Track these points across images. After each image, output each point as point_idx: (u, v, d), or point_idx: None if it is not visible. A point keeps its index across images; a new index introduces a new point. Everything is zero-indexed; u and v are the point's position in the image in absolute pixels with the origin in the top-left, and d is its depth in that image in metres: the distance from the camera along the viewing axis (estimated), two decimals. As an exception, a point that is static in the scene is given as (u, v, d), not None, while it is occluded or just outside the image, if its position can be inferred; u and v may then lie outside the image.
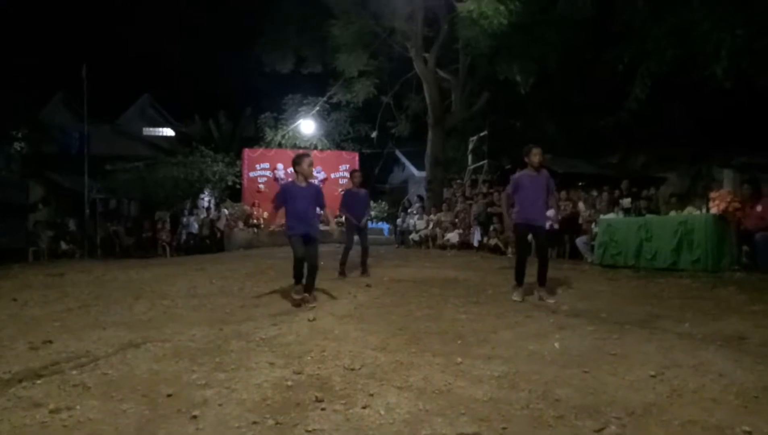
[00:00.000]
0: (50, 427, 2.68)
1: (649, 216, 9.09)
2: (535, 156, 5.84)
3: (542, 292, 5.89)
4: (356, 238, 8.28)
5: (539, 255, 6.04)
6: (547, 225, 10.90)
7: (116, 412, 2.85)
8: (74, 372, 3.51)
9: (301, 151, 5.85)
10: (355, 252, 8.28)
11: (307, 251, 5.64)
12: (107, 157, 20.15)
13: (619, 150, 16.74)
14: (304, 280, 5.69)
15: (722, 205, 7.61)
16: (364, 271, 8.19)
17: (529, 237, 6.19)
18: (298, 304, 5.60)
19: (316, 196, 5.96)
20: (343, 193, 8.59)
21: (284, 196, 5.85)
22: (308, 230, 5.76)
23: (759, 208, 7.65)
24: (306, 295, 5.72)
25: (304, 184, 5.90)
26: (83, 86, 17.37)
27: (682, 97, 13.24)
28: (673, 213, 8.76)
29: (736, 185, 8.28)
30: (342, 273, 7.96)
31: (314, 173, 19.17)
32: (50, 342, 4.30)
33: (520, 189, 5.90)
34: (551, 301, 5.77)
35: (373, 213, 19.98)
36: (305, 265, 5.64)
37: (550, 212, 7.17)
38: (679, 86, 12.37)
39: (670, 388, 3.06)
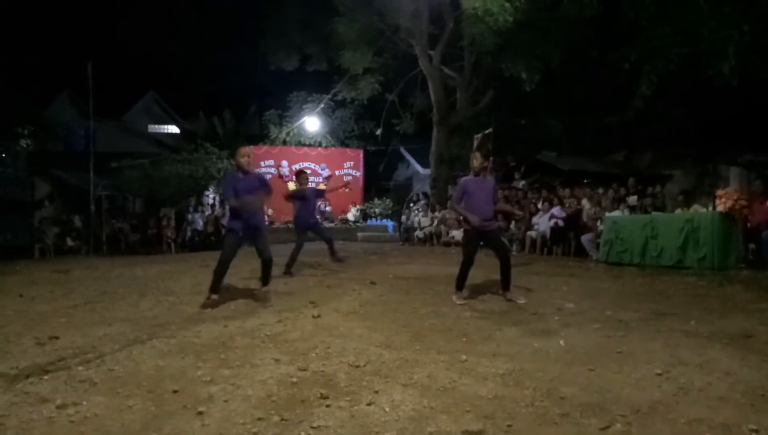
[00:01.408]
0: (57, 423, 2.69)
1: (654, 213, 9.06)
2: (475, 160, 5.76)
3: (510, 295, 5.75)
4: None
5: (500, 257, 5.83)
6: (552, 222, 10.97)
7: (122, 407, 2.86)
8: (80, 368, 3.53)
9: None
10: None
11: (255, 245, 5.72)
12: (112, 154, 20.25)
13: (625, 148, 16.68)
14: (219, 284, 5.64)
15: (729, 203, 7.57)
16: (332, 254, 8.64)
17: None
18: (207, 306, 5.48)
19: (258, 184, 5.84)
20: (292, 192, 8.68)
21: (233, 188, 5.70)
22: (250, 223, 5.67)
23: (767, 204, 7.61)
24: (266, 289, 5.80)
25: (241, 175, 5.81)
26: (88, 84, 17.45)
27: (687, 96, 13.16)
28: (679, 211, 8.72)
29: (743, 183, 8.24)
30: (288, 273, 7.82)
31: (318, 170, 19.33)
32: (56, 338, 4.32)
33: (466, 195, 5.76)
34: (522, 300, 5.62)
35: (377, 210, 20.00)
36: (227, 264, 5.62)
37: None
38: (685, 84, 12.30)
39: (676, 387, 3.05)
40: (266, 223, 6.01)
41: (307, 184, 8.57)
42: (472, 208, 5.68)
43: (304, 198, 8.29)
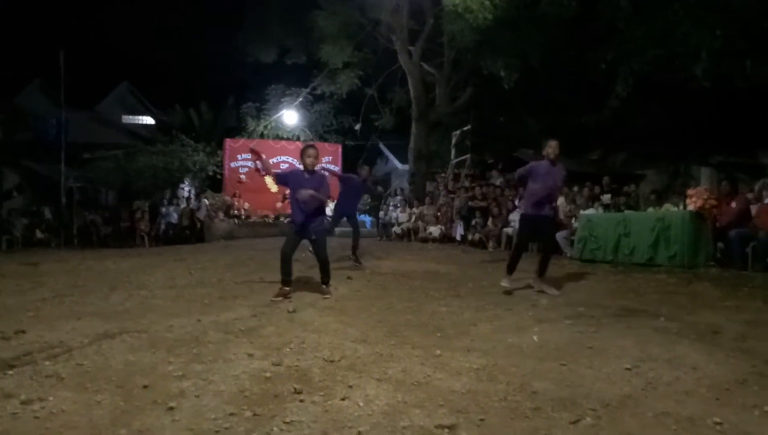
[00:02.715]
0: (22, 419, 2.62)
1: (627, 212, 9.22)
2: (550, 149, 5.90)
3: (541, 283, 5.95)
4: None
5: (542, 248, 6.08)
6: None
7: (90, 403, 2.80)
8: (47, 363, 3.44)
9: None
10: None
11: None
12: (85, 145, 19.79)
13: (600, 147, 16.94)
14: None
15: (699, 203, 7.74)
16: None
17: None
18: (279, 295, 5.54)
19: (318, 185, 5.83)
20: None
21: None
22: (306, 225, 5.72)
23: (734, 205, 7.81)
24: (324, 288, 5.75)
25: (307, 175, 5.79)
26: (60, 72, 17.03)
27: (661, 97, 13.43)
28: (651, 209, 8.89)
29: (713, 183, 8.44)
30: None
31: (296, 165, 19.17)
32: (23, 332, 4.20)
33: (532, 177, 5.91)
34: (554, 292, 5.79)
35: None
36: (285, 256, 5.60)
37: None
38: (659, 86, 12.54)
39: (645, 381, 3.11)
40: (324, 225, 5.96)
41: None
42: (533, 191, 5.82)
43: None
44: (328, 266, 5.90)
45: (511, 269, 6.04)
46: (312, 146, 5.94)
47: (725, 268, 7.42)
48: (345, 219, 8.72)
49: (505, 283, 5.94)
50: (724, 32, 9.58)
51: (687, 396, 2.89)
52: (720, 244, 7.94)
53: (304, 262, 7.88)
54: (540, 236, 6.34)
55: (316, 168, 5.87)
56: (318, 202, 5.60)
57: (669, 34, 10.34)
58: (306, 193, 5.42)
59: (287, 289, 5.61)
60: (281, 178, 6.09)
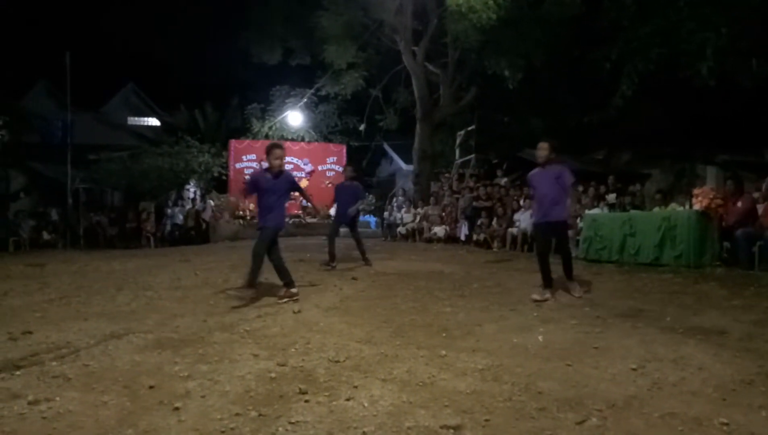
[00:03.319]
0: (29, 419, 2.64)
1: (633, 211, 9.18)
2: (541, 151, 5.77)
3: (570, 284, 5.81)
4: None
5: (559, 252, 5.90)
6: (533, 219, 11.05)
7: (97, 403, 2.82)
8: (54, 363, 3.46)
9: None
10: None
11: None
12: (91, 146, 19.89)
13: (605, 147, 16.88)
14: None
15: (705, 202, 7.70)
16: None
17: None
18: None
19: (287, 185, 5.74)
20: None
21: None
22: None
23: (740, 204, 7.76)
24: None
25: (270, 176, 5.63)
26: (66, 74, 17.09)
27: (666, 96, 13.37)
28: (656, 209, 8.85)
29: (719, 182, 8.39)
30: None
31: (301, 165, 19.23)
32: (30, 333, 4.23)
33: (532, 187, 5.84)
34: (577, 294, 5.64)
35: (360, 206, 19.96)
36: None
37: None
38: (663, 84, 12.49)
39: (651, 381, 3.10)
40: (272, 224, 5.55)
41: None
42: (537, 201, 5.75)
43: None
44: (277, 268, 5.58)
45: (546, 282, 5.67)
46: (278, 146, 5.69)
47: (731, 267, 7.37)
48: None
49: (535, 296, 5.57)
50: (730, 30, 9.53)
51: (693, 396, 2.88)
52: (726, 244, 7.89)
53: (309, 263, 7.92)
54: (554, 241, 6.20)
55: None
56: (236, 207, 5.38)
57: (674, 32, 10.28)
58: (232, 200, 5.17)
59: (251, 292, 5.46)
60: (250, 190, 5.75)
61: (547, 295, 5.58)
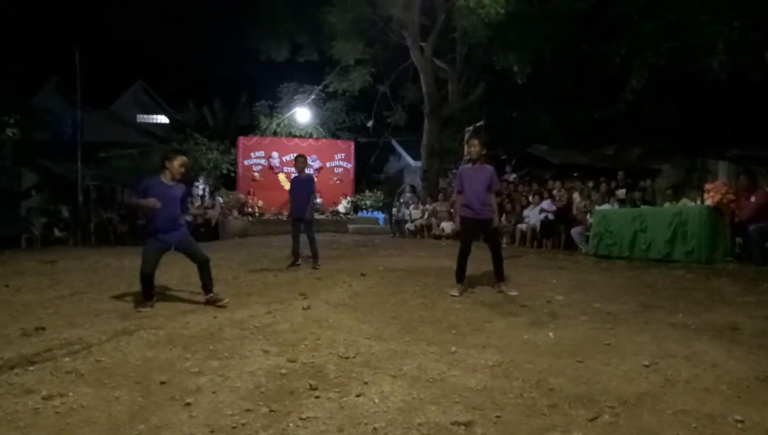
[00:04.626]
0: (42, 414, 2.66)
1: (644, 207, 9.12)
2: (471, 148, 5.78)
3: (502, 286, 5.78)
4: None
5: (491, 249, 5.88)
6: (542, 215, 11.01)
7: (109, 399, 2.84)
8: (67, 359, 3.49)
9: None
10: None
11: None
12: (100, 143, 20.02)
13: (614, 142, 16.77)
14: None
15: (717, 197, 7.64)
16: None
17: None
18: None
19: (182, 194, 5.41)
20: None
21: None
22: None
23: (753, 199, 7.68)
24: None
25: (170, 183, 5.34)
26: (76, 72, 17.21)
27: (676, 90, 13.25)
28: (667, 204, 8.78)
29: (731, 177, 8.30)
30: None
31: (309, 162, 19.29)
32: (43, 329, 4.27)
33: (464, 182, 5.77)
34: (513, 292, 5.63)
35: (368, 202, 19.98)
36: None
37: None
38: (674, 79, 12.37)
39: (663, 378, 3.07)
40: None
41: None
42: (467, 196, 5.72)
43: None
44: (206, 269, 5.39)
45: (460, 277, 5.77)
46: (180, 151, 5.52)
47: (744, 263, 7.31)
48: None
49: (453, 292, 5.63)
50: (741, 23, 9.41)
51: (707, 393, 2.85)
52: (739, 239, 7.82)
53: (309, 262, 7.92)
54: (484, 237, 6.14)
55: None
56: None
57: (684, 25, 10.17)
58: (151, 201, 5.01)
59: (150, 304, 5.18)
60: (142, 195, 5.28)
61: (458, 291, 5.65)
